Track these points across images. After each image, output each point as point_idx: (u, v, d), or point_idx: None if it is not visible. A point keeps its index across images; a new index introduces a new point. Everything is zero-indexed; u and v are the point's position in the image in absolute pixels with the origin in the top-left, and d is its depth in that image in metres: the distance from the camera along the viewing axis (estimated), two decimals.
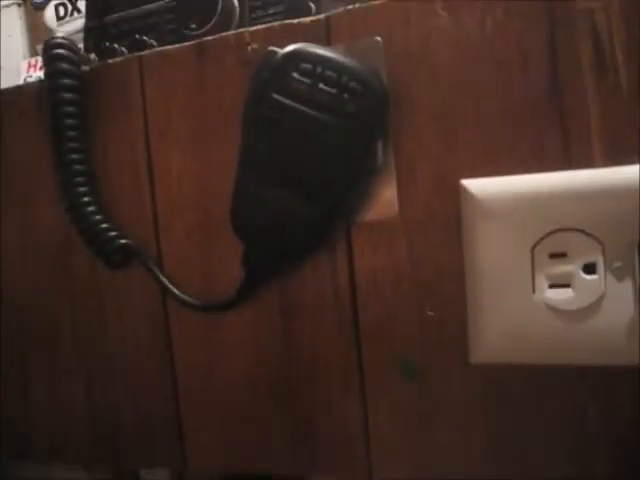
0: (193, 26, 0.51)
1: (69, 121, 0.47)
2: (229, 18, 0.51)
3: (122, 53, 0.52)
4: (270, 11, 0.50)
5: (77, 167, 0.47)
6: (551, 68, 0.38)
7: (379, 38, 0.41)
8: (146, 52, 0.48)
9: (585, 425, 0.39)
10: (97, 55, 0.54)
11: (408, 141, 0.41)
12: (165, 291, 0.48)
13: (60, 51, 0.47)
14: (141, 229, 0.49)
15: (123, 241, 0.48)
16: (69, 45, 0.47)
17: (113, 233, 0.48)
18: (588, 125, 0.37)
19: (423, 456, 0.43)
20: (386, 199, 0.42)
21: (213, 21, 0.51)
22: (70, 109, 0.47)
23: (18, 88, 0.54)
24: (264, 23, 0.46)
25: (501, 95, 0.39)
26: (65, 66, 0.47)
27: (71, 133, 0.47)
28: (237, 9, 0.51)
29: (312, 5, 0.49)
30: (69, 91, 0.47)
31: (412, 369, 0.42)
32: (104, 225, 0.48)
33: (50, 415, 0.54)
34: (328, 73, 0.39)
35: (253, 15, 0.51)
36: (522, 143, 0.38)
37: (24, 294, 0.54)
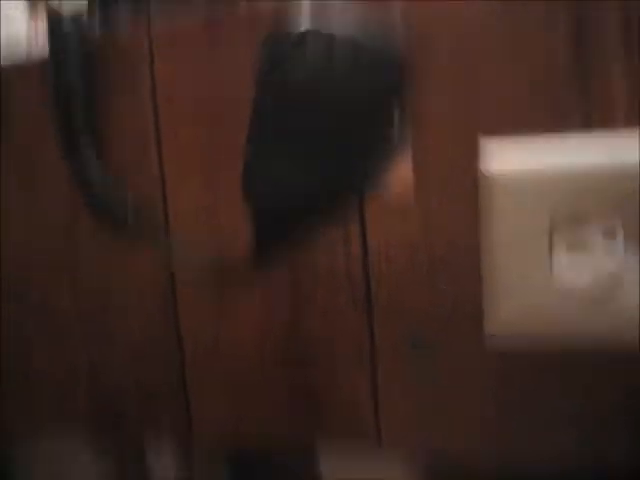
0: None
1: (74, 95, 0.46)
2: None
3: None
4: None
5: (84, 133, 0.47)
6: (575, 28, 0.37)
7: (397, 7, 0.40)
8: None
9: (601, 410, 0.39)
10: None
11: (424, 114, 0.40)
12: (172, 255, 0.48)
13: (64, 26, 0.46)
14: (148, 192, 0.48)
15: (130, 203, 0.47)
16: (74, 20, 0.46)
17: (120, 195, 0.47)
18: (609, 84, 0.36)
19: (433, 425, 0.43)
20: (401, 172, 0.41)
21: None
22: (76, 82, 0.46)
23: (20, 64, 0.52)
24: None
25: (523, 58, 0.38)
26: (70, 41, 0.46)
27: (76, 106, 0.46)
28: None
29: None
30: (75, 64, 0.46)
31: (422, 344, 0.42)
32: (111, 188, 0.47)
33: (51, 379, 0.54)
34: (344, 43, 0.38)
35: None
36: (542, 104, 0.38)
37: (26, 262, 0.53)
